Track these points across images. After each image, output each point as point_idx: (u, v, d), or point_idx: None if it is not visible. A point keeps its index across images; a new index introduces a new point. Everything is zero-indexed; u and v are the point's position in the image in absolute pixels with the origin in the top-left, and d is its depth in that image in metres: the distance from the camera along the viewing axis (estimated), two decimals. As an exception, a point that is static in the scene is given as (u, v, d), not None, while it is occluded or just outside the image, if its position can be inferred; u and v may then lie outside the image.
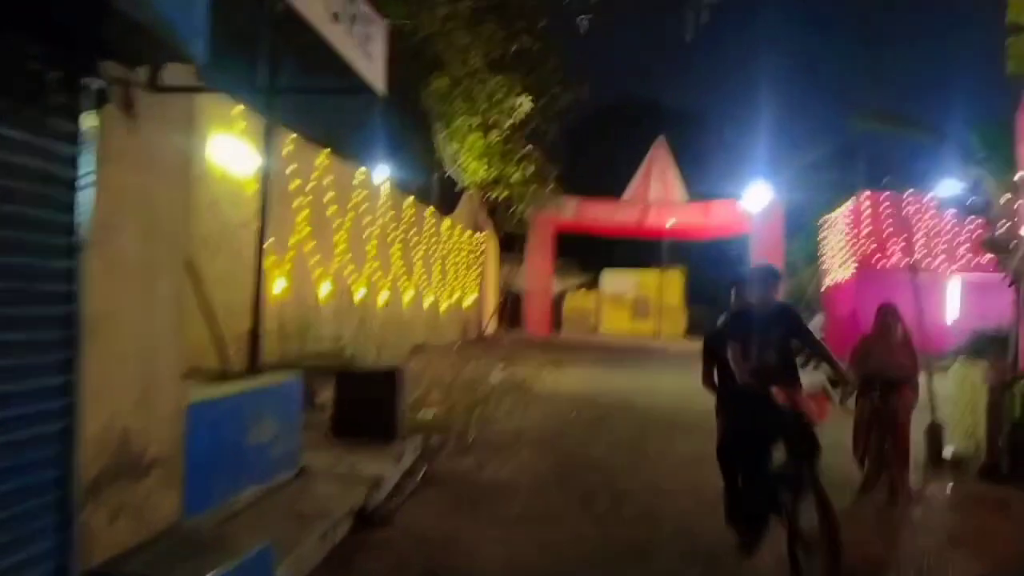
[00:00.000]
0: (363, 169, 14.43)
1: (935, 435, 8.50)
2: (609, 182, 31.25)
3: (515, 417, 9.94)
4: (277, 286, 10.55)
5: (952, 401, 8.68)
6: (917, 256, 22.32)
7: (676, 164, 30.79)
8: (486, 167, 15.86)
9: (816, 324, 21.29)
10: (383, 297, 15.63)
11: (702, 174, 31.76)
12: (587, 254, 42.16)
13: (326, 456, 6.20)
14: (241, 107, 9.13)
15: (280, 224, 10.52)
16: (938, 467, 8.25)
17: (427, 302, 19.83)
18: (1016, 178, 7.49)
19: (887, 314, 6.88)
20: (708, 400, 11.74)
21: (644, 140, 31.79)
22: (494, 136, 14.79)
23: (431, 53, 14.54)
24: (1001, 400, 7.99)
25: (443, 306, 21.62)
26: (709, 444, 8.71)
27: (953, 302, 22.81)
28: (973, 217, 10.84)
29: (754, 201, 27.68)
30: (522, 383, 13.67)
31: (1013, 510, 6.32)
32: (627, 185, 30.85)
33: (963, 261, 22.07)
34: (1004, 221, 7.20)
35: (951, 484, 7.47)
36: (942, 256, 22.37)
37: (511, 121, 15.27)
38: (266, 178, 9.77)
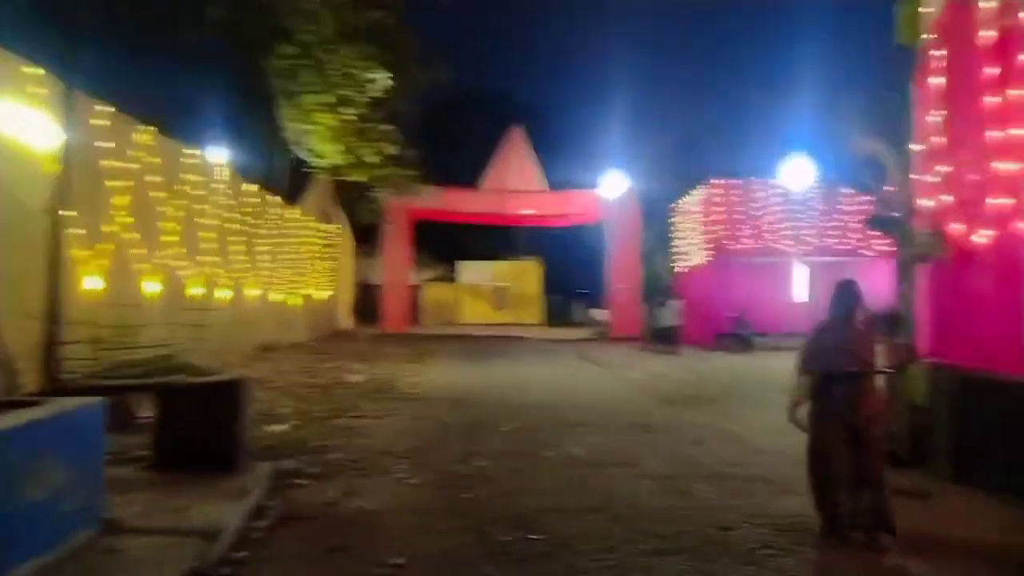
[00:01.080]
0: (198, 151, 12.71)
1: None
2: (465, 171, 30.36)
3: (382, 426, 8.76)
4: (90, 283, 8.81)
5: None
6: (763, 241, 23.04)
7: (533, 153, 30.35)
8: (339, 150, 14.40)
9: (673, 309, 21.36)
10: (223, 294, 13.91)
11: (559, 164, 31.52)
12: (444, 245, 41.21)
13: (144, 500, 4.82)
14: (40, 71, 7.43)
15: (92, 210, 8.82)
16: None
17: (275, 298, 18.11)
18: (912, 148, 7.21)
19: (846, 292, 5.22)
20: (587, 391, 10.98)
21: (499, 129, 31.13)
22: (348, 113, 13.38)
23: (276, 18, 12.96)
24: (898, 383, 7.74)
25: (293, 302, 19.92)
26: (599, 441, 8.05)
27: (800, 284, 23.70)
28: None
29: (611, 189, 27.68)
30: (386, 383, 12.47)
31: (934, 500, 5.91)
32: (483, 174, 30.05)
33: (808, 245, 22.95)
34: (895, 200, 6.83)
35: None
36: (789, 240, 23.14)
37: (366, 99, 13.90)
38: (69, 155, 8.07)
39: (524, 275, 41.03)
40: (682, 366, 17.26)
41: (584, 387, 12.87)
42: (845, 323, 5.15)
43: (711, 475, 6.64)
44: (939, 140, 6.69)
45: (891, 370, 7.56)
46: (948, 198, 6.48)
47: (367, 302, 35.84)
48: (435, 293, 40.53)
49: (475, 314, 39.44)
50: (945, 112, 6.63)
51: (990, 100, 5.97)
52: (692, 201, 25.15)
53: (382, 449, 7.40)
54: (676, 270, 27.35)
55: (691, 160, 28.00)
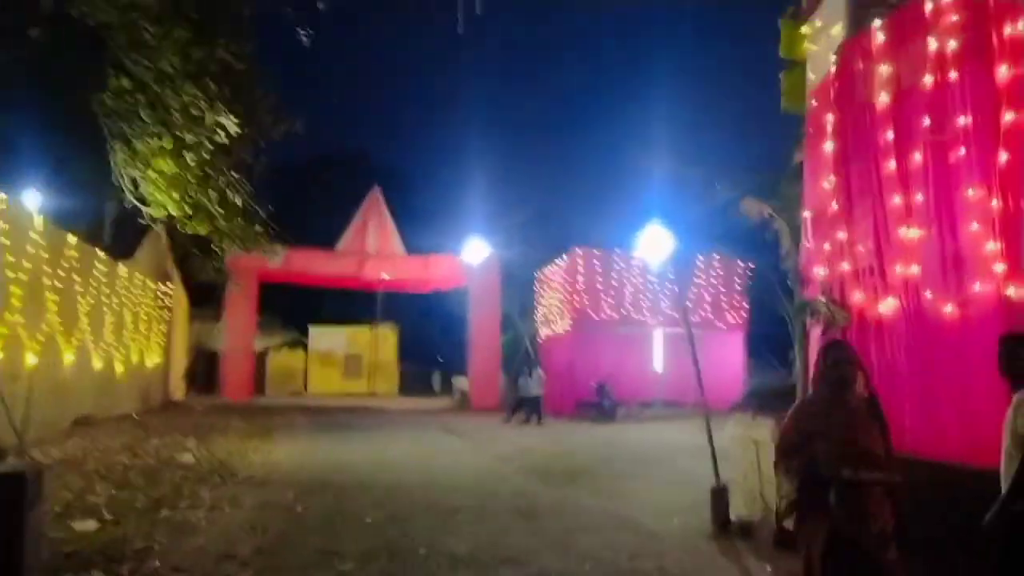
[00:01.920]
0: (2, 196, 10.95)
1: (721, 499, 7.63)
2: (320, 233, 28.99)
3: (221, 519, 7.32)
4: None
5: (733, 461, 7.88)
6: (624, 311, 23.16)
7: (392, 216, 29.46)
8: (178, 199, 12.88)
9: (537, 378, 20.80)
10: (31, 359, 11.86)
11: (419, 229, 30.86)
12: (294, 309, 39.07)
13: None
14: None
15: None
16: (726, 535, 7.34)
17: (97, 364, 15.89)
18: (804, 215, 6.99)
19: (840, 359, 3.79)
20: (457, 469, 9.87)
21: (357, 192, 30.10)
22: (189, 159, 11.99)
23: (109, 48, 11.46)
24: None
25: (119, 368, 17.64)
26: (481, 531, 7.02)
27: (658, 353, 23.92)
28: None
29: (473, 255, 27.19)
30: (225, 464, 10.85)
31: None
32: (338, 237, 28.76)
33: (664, 316, 23.27)
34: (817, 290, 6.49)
35: (765, 565, 6.47)
36: (647, 311, 23.37)
37: (211, 147, 12.56)
38: None
39: (379, 342, 39.50)
40: (549, 438, 16.56)
41: (453, 464, 11.82)
42: (836, 402, 3.75)
43: (615, 573, 5.81)
44: (833, 207, 6.46)
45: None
46: (846, 266, 6.19)
47: (205, 369, 33.04)
48: (282, 360, 38.13)
49: (326, 383, 37.36)
50: (837, 178, 6.42)
51: (887, 165, 5.77)
52: (555, 269, 25.04)
53: (219, 552, 6.03)
54: (538, 338, 27.00)
55: (553, 228, 28.14)
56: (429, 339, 41.47)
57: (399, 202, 30.68)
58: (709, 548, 6.81)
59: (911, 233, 5.43)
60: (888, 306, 5.67)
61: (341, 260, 27.63)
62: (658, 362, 23.75)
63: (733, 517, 7.61)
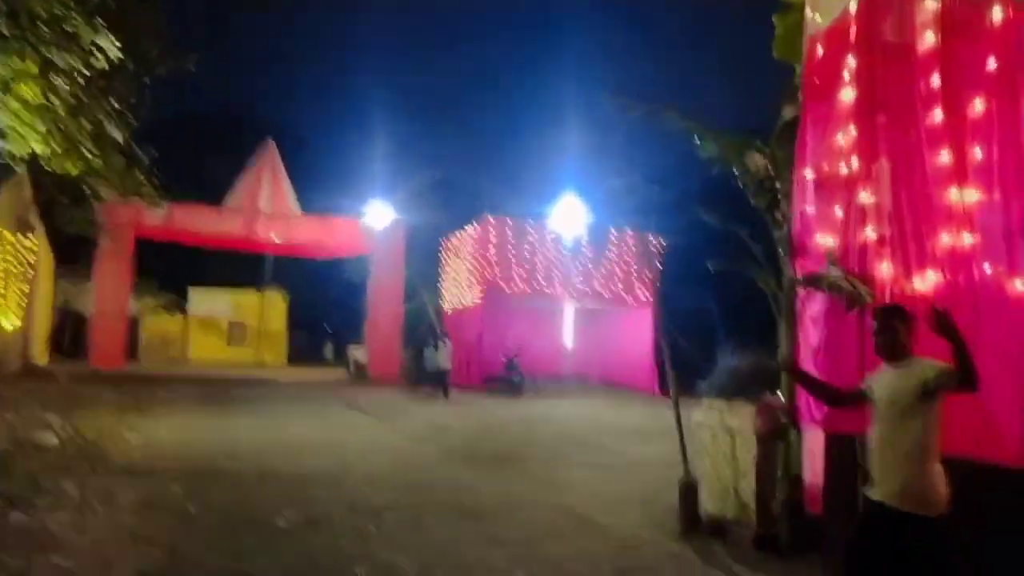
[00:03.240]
0: None
1: (690, 495, 6.77)
2: (206, 190, 26.50)
3: (91, 525, 5.82)
4: None
5: (703, 450, 7.03)
6: (536, 283, 22.27)
7: (287, 174, 27.25)
8: (43, 133, 10.81)
9: (444, 351, 19.64)
10: None
11: (316, 190, 28.79)
12: (172, 269, 36.06)
13: None
14: None
15: None
16: (696, 535, 6.51)
17: (-65, 325, 13.55)
18: (802, 177, 6.13)
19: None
20: (372, 453, 8.69)
21: (248, 152, 27.58)
22: (60, 84, 10.01)
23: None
24: (773, 452, 6.52)
25: (-36, 331, 15.23)
26: (421, 540, 5.82)
27: (568, 328, 23.25)
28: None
29: (376, 218, 25.57)
30: (95, 447, 9.16)
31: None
32: (227, 192, 26.32)
33: (576, 290, 22.54)
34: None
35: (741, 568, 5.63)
36: (559, 284, 22.57)
37: (87, 73, 10.56)
38: None
39: (267, 308, 37.16)
40: (461, 414, 15.48)
41: (366, 446, 10.53)
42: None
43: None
44: (851, 165, 5.59)
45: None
46: (870, 233, 5.35)
47: (71, 333, 30.00)
48: (159, 325, 35.24)
49: (207, 350, 34.80)
50: (859, 132, 5.55)
51: (931, 116, 4.93)
52: (464, 238, 23.82)
53: (95, 569, 4.61)
54: (444, 309, 25.77)
55: (462, 195, 26.86)
56: (320, 307, 39.45)
57: (296, 161, 28.46)
58: (686, 553, 5.92)
59: (965, 196, 4.60)
60: (928, 281, 4.85)
61: (230, 218, 25.28)
62: (568, 337, 23.09)
63: (702, 514, 6.79)
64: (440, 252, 26.17)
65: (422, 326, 26.36)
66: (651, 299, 23.00)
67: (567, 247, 22.48)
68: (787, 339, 6.54)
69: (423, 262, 27.10)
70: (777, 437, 6.50)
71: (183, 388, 19.33)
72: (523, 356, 21.18)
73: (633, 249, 23.17)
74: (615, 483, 8.64)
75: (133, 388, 17.98)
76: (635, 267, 23.05)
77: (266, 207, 25.65)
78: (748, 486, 6.55)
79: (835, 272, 5.49)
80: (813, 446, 6.44)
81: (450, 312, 25.11)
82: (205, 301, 36.28)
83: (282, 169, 26.59)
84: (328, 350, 37.25)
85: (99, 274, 23.82)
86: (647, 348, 22.73)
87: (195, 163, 35.01)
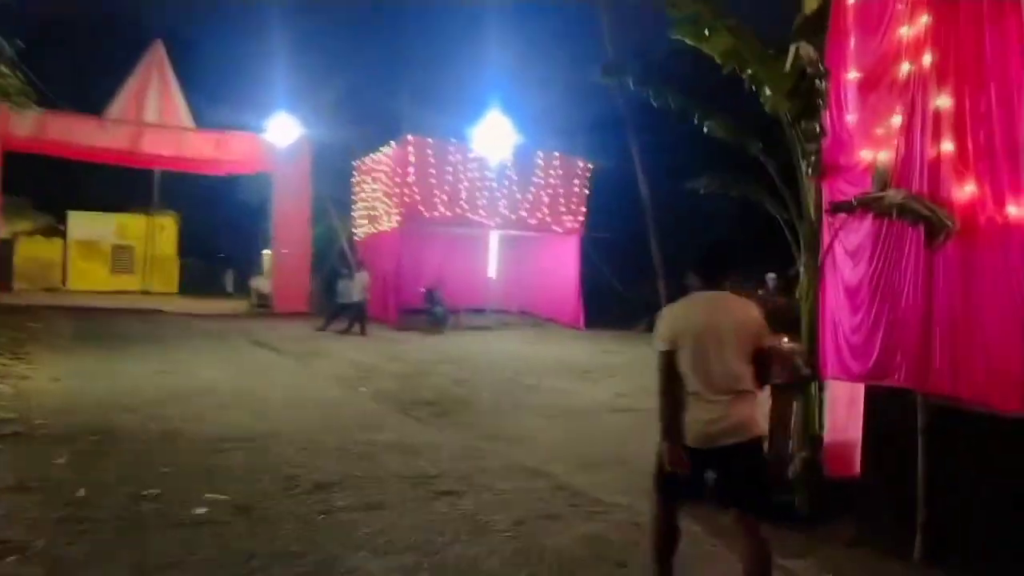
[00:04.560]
0: None
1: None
2: (86, 100, 23.35)
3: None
4: None
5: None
6: (459, 209, 20.85)
7: (178, 82, 24.33)
8: None
9: (361, 282, 18.16)
10: None
11: (209, 101, 25.90)
12: (48, 189, 32.44)
13: None
14: None
15: None
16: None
17: None
18: (843, 80, 5.04)
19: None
20: (295, 403, 7.38)
21: (133, 56, 24.37)
22: None
23: None
24: (789, 407, 5.61)
25: None
26: (387, 531, 4.15)
27: (493, 257, 22.07)
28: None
29: (279, 134, 23.30)
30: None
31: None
32: (110, 102, 23.30)
33: (501, 217, 21.25)
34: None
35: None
36: (483, 210, 21.20)
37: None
38: None
39: (155, 233, 34.15)
40: (384, 352, 14.19)
41: (288, 395, 9.11)
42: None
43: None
44: (919, 62, 4.52)
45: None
46: (948, 148, 4.34)
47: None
48: (33, 250, 31.85)
49: (89, 279, 31.74)
50: (934, 22, 4.47)
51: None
52: (380, 158, 21.98)
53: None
54: (355, 236, 24.01)
55: (376, 111, 24.78)
56: (216, 231, 36.57)
57: (187, 70, 25.47)
58: (689, 528, 4.95)
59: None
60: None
61: (112, 130, 22.36)
62: (492, 267, 21.91)
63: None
64: (352, 173, 24.22)
65: (332, 254, 24.58)
66: (578, 227, 22.07)
67: (491, 170, 21.05)
68: (810, 275, 5.54)
69: (332, 184, 25.07)
70: (794, 389, 5.60)
71: (64, 320, 17.17)
72: (444, 287, 19.92)
73: (560, 174, 22.00)
74: (577, 435, 7.66)
75: (5, 320, 15.74)
76: (562, 192, 21.91)
77: (154, 118, 22.89)
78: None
79: (898, 195, 4.49)
80: (837, 399, 5.58)
81: (363, 239, 23.41)
82: (86, 225, 32.96)
83: (172, 76, 23.72)
84: (230, 279, 34.70)
85: (-43, 190, 20.74)
86: (573, 279, 21.87)
87: (72, 69, 31.07)
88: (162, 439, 6.42)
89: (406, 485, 5.32)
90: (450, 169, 20.66)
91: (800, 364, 5.50)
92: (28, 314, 17.41)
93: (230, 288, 34.07)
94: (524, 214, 21.47)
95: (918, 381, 4.49)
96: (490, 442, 7.10)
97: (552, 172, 21.93)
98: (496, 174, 21.17)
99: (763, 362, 3.57)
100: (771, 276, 13.30)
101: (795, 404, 5.60)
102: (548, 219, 21.82)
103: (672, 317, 3.52)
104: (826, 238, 5.40)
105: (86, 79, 28.21)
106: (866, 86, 5.04)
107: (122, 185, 32.27)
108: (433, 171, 20.47)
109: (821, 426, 5.58)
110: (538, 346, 16.49)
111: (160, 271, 34.02)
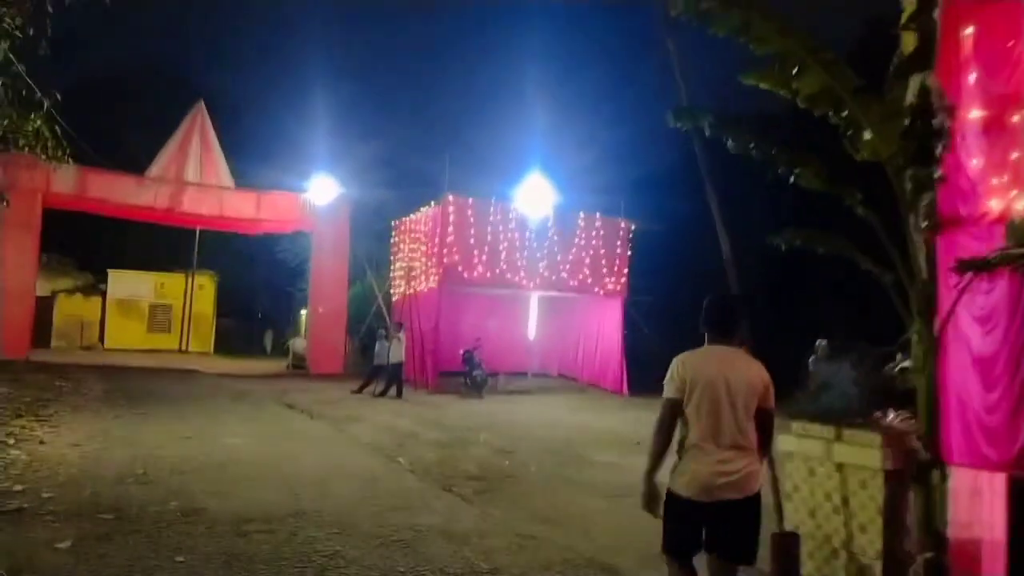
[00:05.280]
0: None
1: (790, 554, 4.94)
2: (124, 159, 23.54)
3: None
4: None
5: (793, 491, 5.26)
6: (498, 269, 20.31)
7: (218, 142, 24.47)
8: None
9: (398, 344, 17.56)
10: None
11: (250, 161, 26.05)
12: (88, 247, 32.82)
13: None
14: None
15: None
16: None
17: None
18: (970, 116, 4.38)
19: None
20: (329, 477, 6.72)
21: (175, 119, 24.61)
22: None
23: None
24: (906, 498, 4.78)
25: None
26: None
27: (533, 319, 21.40)
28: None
29: (319, 193, 23.19)
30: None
31: None
32: (152, 161, 23.44)
33: (541, 277, 20.64)
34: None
35: None
36: (523, 271, 20.62)
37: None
38: None
39: (194, 291, 34.16)
40: (422, 418, 13.47)
41: (321, 466, 8.40)
42: None
43: None
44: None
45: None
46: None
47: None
48: (72, 307, 31.95)
49: (127, 338, 31.67)
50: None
51: None
52: (420, 218, 21.65)
53: None
54: (393, 296, 23.55)
55: (415, 171, 24.63)
56: (253, 291, 36.51)
57: (228, 130, 25.70)
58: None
59: None
60: None
61: (152, 188, 22.42)
62: (532, 329, 21.22)
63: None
64: (390, 233, 23.93)
65: (369, 314, 24.12)
66: (621, 288, 21.37)
67: (532, 230, 20.56)
68: (926, 344, 4.76)
69: (370, 243, 24.83)
70: (912, 477, 4.77)
71: (95, 379, 16.75)
72: (483, 349, 19.26)
73: (601, 233, 21.42)
74: (639, 518, 6.78)
75: (35, 379, 15.39)
76: (604, 253, 21.28)
77: (194, 177, 22.95)
78: (869, 543, 4.80)
79: None
80: (960, 490, 4.74)
81: (401, 299, 22.93)
82: (125, 283, 33.07)
83: (213, 136, 23.89)
84: (268, 339, 34.46)
85: (1, 247, 20.73)
86: (616, 343, 21.06)
87: (115, 129, 31.66)
88: (180, 519, 5.73)
89: (458, 583, 4.54)
90: (490, 229, 20.21)
91: (918, 447, 4.70)
92: (59, 373, 17.06)
93: (269, 348, 33.80)
94: (565, 275, 20.85)
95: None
96: (544, 527, 6.30)
97: (594, 232, 21.37)
98: (536, 234, 20.67)
99: (765, 423, 3.58)
100: (822, 343, 12.43)
101: (912, 495, 4.77)
102: (589, 280, 21.17)
103: (684, 366, 3.53)
104: (945, 301, 4.64)
105: (128, 136, 28.66)
106: (993, 127, 4.36)
107: (162, 244, 32.49)
108: (473, 231, 20.04)
109: (944, 522, 4.72)
110: (583, 414, 15.64)
111: (197, 330, 33.91)
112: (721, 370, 3.46)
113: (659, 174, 21.25)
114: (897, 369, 5.56)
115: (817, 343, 12.43)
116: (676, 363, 3.55)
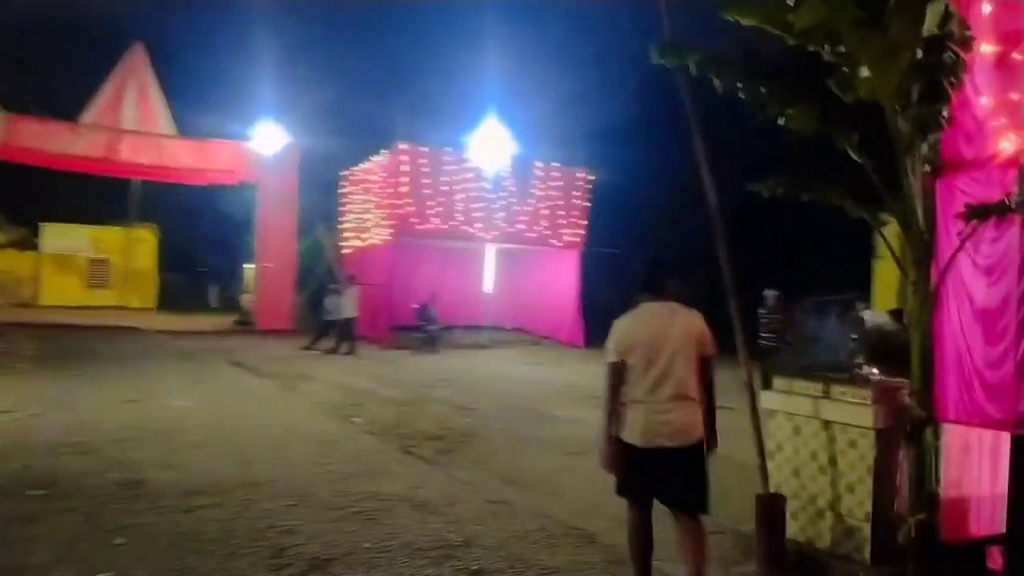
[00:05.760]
0: None
1: (775, 516, 4.70)
2: (57, 108, 22.08)
3: None
4: None
5: (778, 450, 5.01)
6: (453, 221, 19.78)
7: (159, 87, 23.11)
8: None
9: (349, 299, 17.02)
10: None
11: (192, 107, 24.70)
12: (20, 200, 31.04)
13: None
14: None
15: None
16: (779, 566, 4.53)
17: None
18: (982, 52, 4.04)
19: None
20: (282, 440, 6.24)
21: (112, 64, 23.09)
22: None
23: None
24: (894, 457, 4.56)
25: None
26: None
27: (489, 272, 20.98)
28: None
29: (266, 142, 22.20)
30: None
31: None
32: (86, 107, 22.05)
33: (498, 229, 20.19)
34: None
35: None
36: (478, 222, 20.13)
37: None
38: None
39: (133, 246, 32.83)
40: (376, 375, 13.06)
41: (273, 429, 7.94)
42: None
43: None
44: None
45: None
46: None
47: None
48: (3, 263, 30.44)
49: (63, 295, 30.33)
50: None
51: None
52: (371, 168, 20.89)
53: None
54: (343, 250, 22.84)
55: (369, 119, 23.72)
56: (197, 245, 35.21)
57: (168, 74, 24.27)
58: None
59: None
60: None
61: (86, 137, 21.10)
62: (488, 282, 20.81)
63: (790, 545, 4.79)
64: (340, 183, 23.10)
65: (319, 268, 23.39)
66: (578, 240, 21.05)
67: (488, 180, 20.01)
68: (923, 296, 4.50)
69: (319, 194, 23.94)
70: (905, 436, 4.55)
71: (28, 339, 15.91)
72: (437, 303, 18.81)
73: (559, 184, 20.98)
74: (607, 479, 6.55)
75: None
76: (562, 204, 20.87)
77: (131, 124, 21.69)
78: (857, 504, 4.59)
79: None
80: (955, 448, 4.53)
81: (352, 252, 22.26)
82: (60, 237, 31.58)
83: (152, 80, 22.56)
84: (213, 294, 33.40)
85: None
86: (572, 296, 20.82)
87: (46, 73, 29.79)
88: (120, 493, 5.25)
89: (427, 562, 4.18)
90: (445, 179, 19.61)
91: (911, 404, 4.46)
92: (-9, 332, 16.14)
93: (215, 303, 32.80)
94: (522, 227, 20.43)
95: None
96: (513, 490, 5.99)
97: (551, 183, 20.92)
98: (493, 185, 20.14)
99: (706, 371, 3.78)
100: (771, 293, 12.16)
101: (903, 454, 4.56)
102: (547, 232, 20.79)
103: (622, 330, 3.77)
104: (944, 250, 4.36)
105: (61, 84, 26.98)
106: (1008, 62, 4.04)
107: (99, 196, 30.92)
108: (427, 181, 19.41)
109: (938, 481, 4.53)
110: (540, 368, 15.41)
111: (138, 286, 32.70)
112: (657, 326, 3.70)
113: (623, 124, 20.81)
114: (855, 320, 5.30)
115: (765, 292, 12.24)
116: (614, 327, 3.78)
